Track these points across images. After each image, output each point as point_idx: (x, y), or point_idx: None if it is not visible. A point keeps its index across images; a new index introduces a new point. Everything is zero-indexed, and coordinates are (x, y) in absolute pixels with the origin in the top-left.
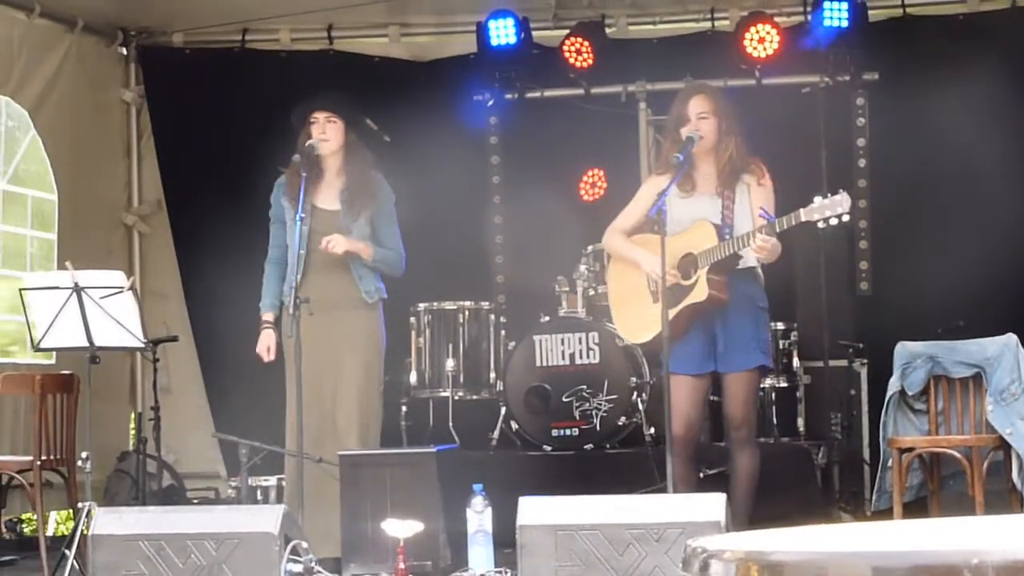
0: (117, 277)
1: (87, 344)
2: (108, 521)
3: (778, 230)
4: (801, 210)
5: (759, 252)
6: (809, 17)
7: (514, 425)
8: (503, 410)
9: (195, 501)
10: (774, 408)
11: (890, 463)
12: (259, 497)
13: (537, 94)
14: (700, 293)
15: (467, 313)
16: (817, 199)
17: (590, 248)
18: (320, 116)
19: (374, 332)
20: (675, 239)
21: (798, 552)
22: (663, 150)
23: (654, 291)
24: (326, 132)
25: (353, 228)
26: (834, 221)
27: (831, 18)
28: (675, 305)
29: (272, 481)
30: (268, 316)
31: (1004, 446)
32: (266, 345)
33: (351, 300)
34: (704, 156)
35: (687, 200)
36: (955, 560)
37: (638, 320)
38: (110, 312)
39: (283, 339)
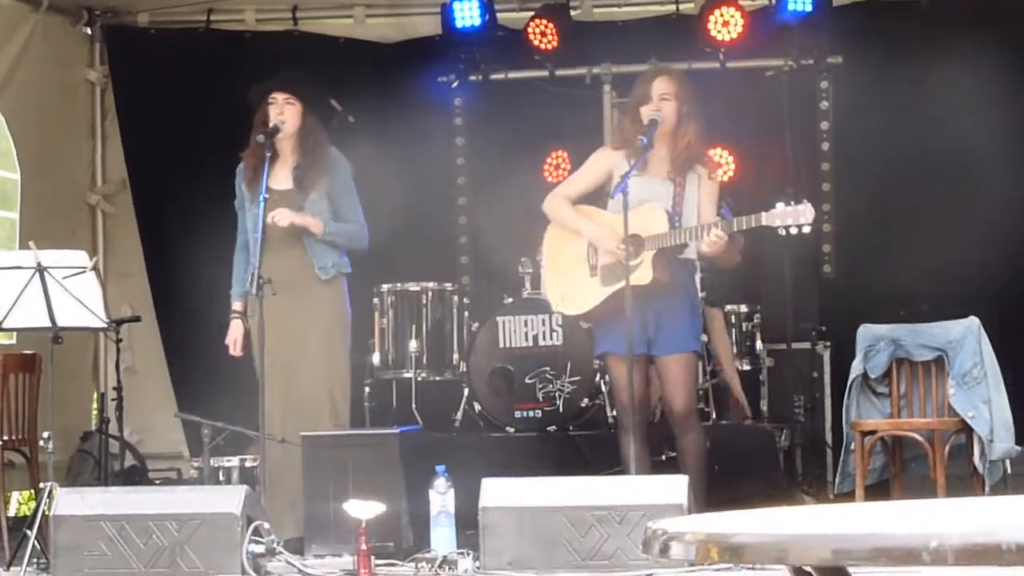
0: (80, 257)
1: (50, 324)
2: (70, 501)
3: (734, 228)
4: (763, 214)
5: (710, 247)
6: (774, 1)
7: (477, 406)
8: (466, 391)
9: (157, 482)
10: None
11: (853, 446)
12: (222, 478)
13: (502, 76)
14: (644, 276)
15: (431, 294)
16: (780, 205)
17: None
18: (279, 97)
19: (336, 308)
20: (622, 217)
21: (759, 534)
22: (622, 127)
23: (593, 265)
24: (284, 113)
25: (305, 205)
26: (794, 230)
27: (795, 1)
28: (616, 283)
29: (235, 462)
30: (237, 305)
31: (966, 429)
32: (233, 337)
33: (307, 278)
34: (661, 138)
35: (638, 179)
36: (914, 543)
37: (573, 291)
38: (73, 292)
39: (248, 321)
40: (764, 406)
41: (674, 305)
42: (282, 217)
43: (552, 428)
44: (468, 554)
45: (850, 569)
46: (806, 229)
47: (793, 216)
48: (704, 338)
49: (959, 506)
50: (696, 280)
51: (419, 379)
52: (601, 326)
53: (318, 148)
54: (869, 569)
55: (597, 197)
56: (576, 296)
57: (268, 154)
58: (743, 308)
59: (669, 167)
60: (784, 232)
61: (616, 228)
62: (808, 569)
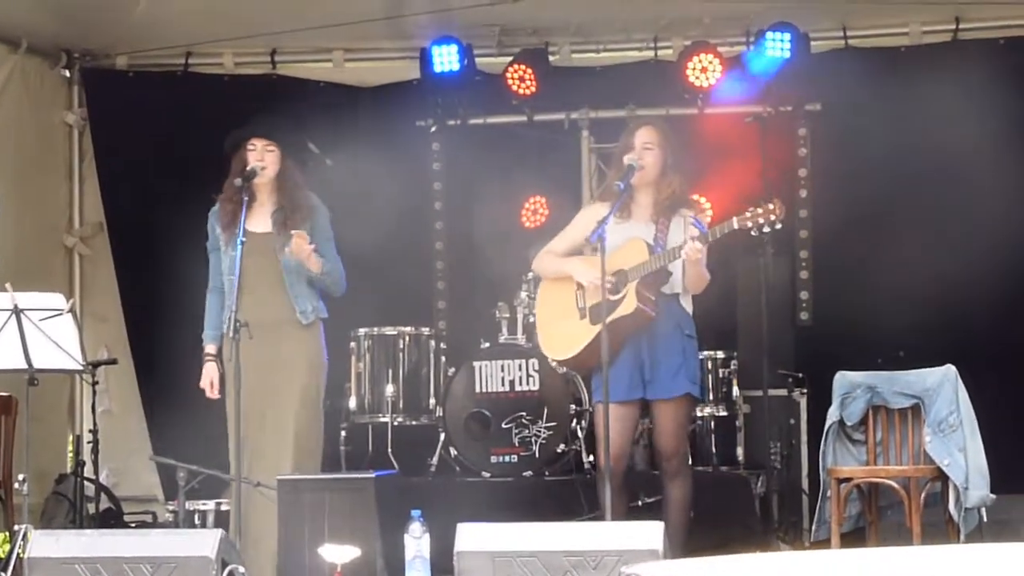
0: (56, 299)
1: (26, 366)
2: (45, 544)
3: (710, 239)
4: (735, 218)
5: (691, 256)
6: (751, 47)
7: (453, 451)
8: (442, 436)
9: (133, 525)
10: (713, 436)
11: (829, 493)
12: (197, 521)
13: (480, 120)
14: (628, 306)
15: (407, 339)
16: (751, 209)
17: (531, 275)
18: (258, 143)
19: (312, 354)
20: (608, 258)
21: None
22: (607, 179)
23: (582, 308)
24: (264, 159)
25: (286, 249)
26: (767, 229)
27: (774, 48)
28: (604, 319)
29: (210, 505)
30: (211, 348)
31: (942, 477)
32: (209, 379)
33: (287, 322)
34: (644, 187)
35: (621, 226)
36: None
37: (563, 336)
38: (49, 334)
39: (224, 364)
40: (740, 453)
41: (664, 343)
42: (300, 247)
43: (528, 473)
44: None
45: None
46: (778, 226)
47: (764, 215)
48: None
49: (931, 554)
50: (688, 316)
51: (395, 423)
52: (593, 376)
53: (298, 191)
54: None
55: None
56: (565, 340)
57: (245, 197)
58: (719, 354)
59: (652, 212)
60: (757, 232)
61: (600, 268)
62: None
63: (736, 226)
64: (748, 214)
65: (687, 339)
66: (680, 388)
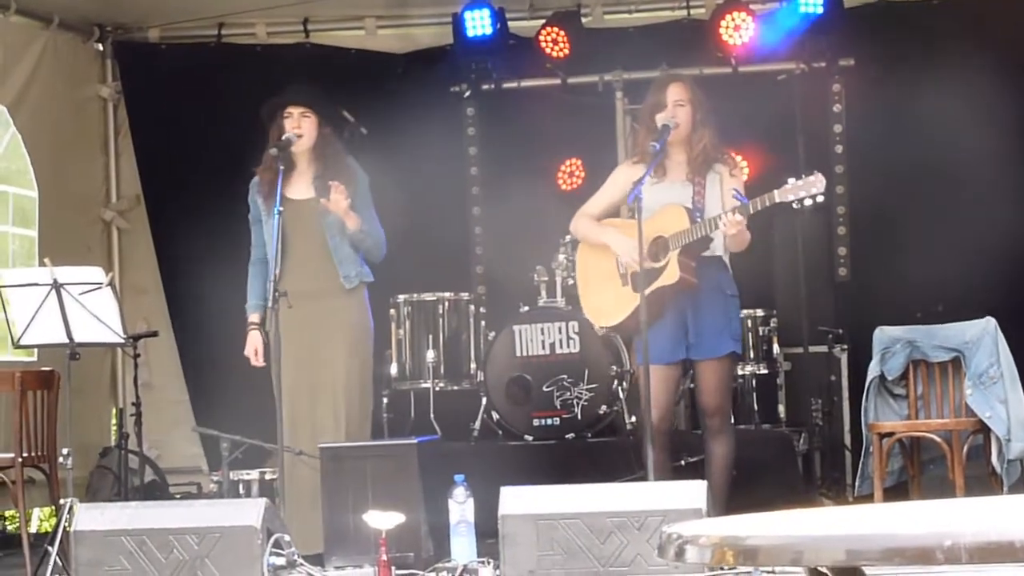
0: (96, 273)
1: (67, 340)
2: (90, 517)
3: (751, 211)
4: (775, 191)
5: (730, 229)
6: (784, 4)
7: (495, 415)
8: (484, 401)
9: (177, 496)
10: (754, 395)
11: (871, 448)
12: (241, 491)
13: (514, 84)
14: (671, 275)
15: (447, 304)
16: (791, 180)
17: (568, 238)
18: (294, 111)
19: (358, 319)
20: (645, 223)
21: (773, 536)
22: (638, 138)
23: (624, 274)
24: (301, 127)
25: (328, 215)
26: (808, 202)
27: (806, 4)
28: (646, 287)
29: (254, 475)
30: (254, 317)
31: (984, 430)
32: (253, 347)
33: (332, 288)
34: (677, 145)
35: (657, 186)
36: (928, 542)
37: (607, 303)
38: (89, 308)
39: (268, 333)
40: (782, 410)
41: (707, 305)
42: (337, 200)
43: (570, 436)
44: (488, 563)
45: (870, 570)
46: (820, 199)
47: (805, 188)
48: None
49: (973, 505)
50: (729, 275)
51: (436, 389)
52: (637, 339)
53: (338, 158)
54: (890, 570)
55: (619, 213)
56: (611, 308)
57: (281, 167)
58: (759, 312)
59: (687, 170)
60: (799, 205)
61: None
62: (823, 570)
63: (777, 199)
64: (789, 186)
65: (730, 299)
66: (725, 347)
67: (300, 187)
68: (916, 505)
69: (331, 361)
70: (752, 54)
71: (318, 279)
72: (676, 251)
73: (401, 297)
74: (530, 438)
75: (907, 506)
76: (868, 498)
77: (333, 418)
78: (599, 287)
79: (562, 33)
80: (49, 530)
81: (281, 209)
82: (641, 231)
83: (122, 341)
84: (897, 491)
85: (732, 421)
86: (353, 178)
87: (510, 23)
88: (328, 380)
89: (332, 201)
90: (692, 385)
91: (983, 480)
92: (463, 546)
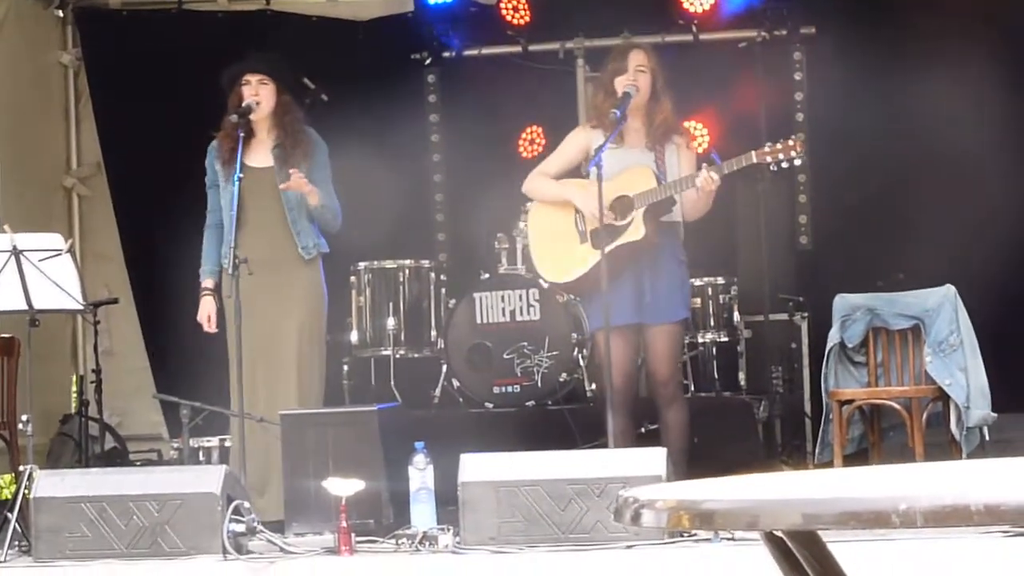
0: (56, 240)
1: (27, 307)
2: (50, 484)
3: (726, 171)
4: (753, 152)
5: (707, 186)
6: None
7: (456, 383)
8: (444, 368)
9: (138, 463)
10: (715, 363)
11: (831, 416)
12: (201, 458)
13: (475, 52)
14: (636, 232)
15: (408, 271)
16: (768, 144)
17: (529, 205)
18: (252, 78)
19: (313, 290)
20: (608, 183)
21: (729, 500)
22: (596, 101)
23: (583, 231)
24: (259, 94)
25: (281, 186)
26: (785, 164)
27: None
28: (609, 244)
29: (214, 442)
30: (208, 283)
31: (943, 397)
32: (206, 313)
33: (289, 258)
34: (635, 112)
35: (616, 152)
36: (883, 506)
37: (563, 260)
38: (49, 275)
39: (224, 301)
40: (742, 378)
41: (665, 268)
42: (298, 185)
43: (531, 403)
44: (448, 530)
45: (830, 537)
46: (797, 162)
47: (784, 151)
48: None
49: (930, 470)
50: (680, 242)
51: (397, 356)
52: (592, 301)
53: (297, 126)
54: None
55: (575, 176)
56: (566, 264)
57: (242, 133)
58: (720, 280)
59: (646, 139)
60: (776, 168)
61: (603, 195)
62: (780, 535)
63: (755, 160)
64: (767, 148)
65: (682, 264)
66: (678, 313)
67: (259, 155)
68: (873, 470)
69: (287, 330)
70: (713, 21)
71: (274, 248)
72: (642, 209)
73: (362, 264)
74: (491, 405)
75: (864, 471)
76: (828, 465)
77: (289, 385)
78: (554, 244)
79: (523, 0)
80: (8, 497)
81: (242, 176)
82: (601, 194)
83: (82, 308)
84: (857, 458)
85: (683, 387)
86: (312, 148)
87: None
88: (284, 349)
89: (294, 185)
90: (643, 354)
91: (943, 447)
92: (423, 513)
